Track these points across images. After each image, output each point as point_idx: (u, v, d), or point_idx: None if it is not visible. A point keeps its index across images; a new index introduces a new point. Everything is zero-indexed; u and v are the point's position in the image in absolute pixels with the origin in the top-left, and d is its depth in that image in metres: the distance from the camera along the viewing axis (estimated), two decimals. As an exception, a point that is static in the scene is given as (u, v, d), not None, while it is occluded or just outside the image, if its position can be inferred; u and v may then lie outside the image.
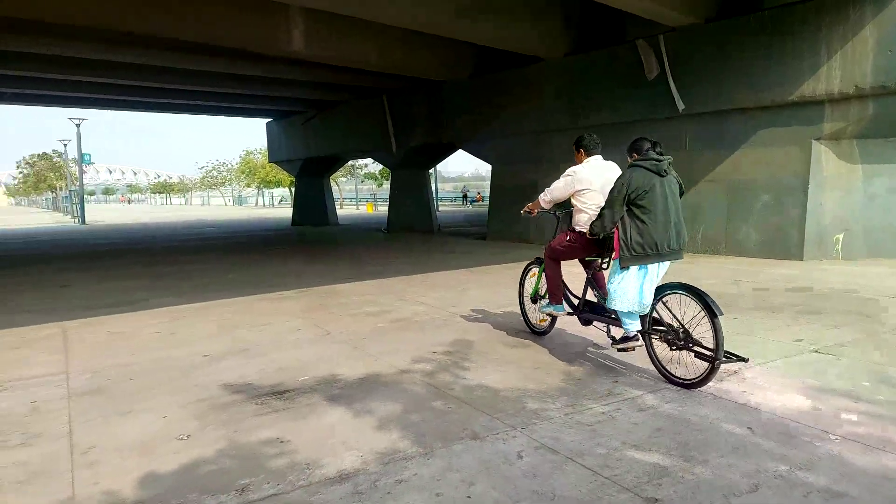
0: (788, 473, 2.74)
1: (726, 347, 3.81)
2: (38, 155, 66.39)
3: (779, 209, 10.27)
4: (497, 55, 14.24)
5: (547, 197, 4.84)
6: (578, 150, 4.79)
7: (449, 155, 21.41)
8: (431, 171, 22.98)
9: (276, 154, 26.95)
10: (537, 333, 5.38)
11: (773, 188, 10.32)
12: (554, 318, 5.10)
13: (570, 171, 4.70)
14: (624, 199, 4.04)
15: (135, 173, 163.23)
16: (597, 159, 4.73)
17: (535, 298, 5.34)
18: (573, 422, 3.39)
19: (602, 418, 3.44)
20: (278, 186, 56.31)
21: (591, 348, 4.93)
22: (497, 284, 8.30)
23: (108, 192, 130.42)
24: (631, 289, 4.08)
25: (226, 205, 73.69)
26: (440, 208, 37.48)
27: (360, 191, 57.26)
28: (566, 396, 3.80)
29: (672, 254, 4.13)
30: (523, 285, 5.63)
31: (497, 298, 7.20)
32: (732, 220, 10.92)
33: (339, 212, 31.46)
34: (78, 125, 30.56)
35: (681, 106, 11.00)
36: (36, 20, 10.12)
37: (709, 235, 11.23)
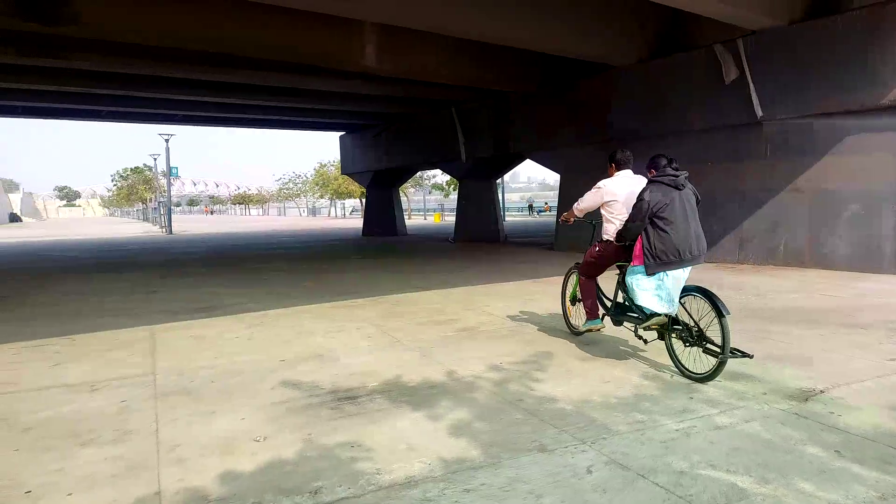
0: (880, 501, 2.56)
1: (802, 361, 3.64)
2: (131, 168, 71.01)
3: (869, 220, 9.65)
4: (565, 64, 14.13)
5: (579, 206, 5.21)
6: (611, 164, 5.18)
7: (516, 165, 21.38)
8: (498, 181, 22.98)
9: (349, 166, 27.69)
10: (575, 334, 5.72)
11: (863, 198, 9.72)
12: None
13: (599, 183, 5.09)
14: (646, 213, 4.40)
15: (217, 185, 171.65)
16: (626, 173, 5.07)
17: (574, 301, 5.73)
18: (645, 438, 3.30)
19: (676, 435, 3.33)
20: (350, 197, 57.81)
21: (665, 362, 4.78)
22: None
23: (192, 203, 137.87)
24: (658, 290, 4.45)
25: (300, 215, 76.27)
26: (507, 218, 37.37)
27: (427, 201, 57.90)
28: (637, 412, 3.71)
29: (693, 259, 4.44)
30: (565, 288, 5.98)
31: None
32: (817, 232, 10.35)
33: (408, 222, 31.94)
34: (167, 140, 32.46)
35: (759, 112, 10.56)
36: (132, 44, 10.89)
37: (791, 247, 10.68)
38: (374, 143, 24.13)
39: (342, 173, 31.00)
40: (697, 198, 4.66)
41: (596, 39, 11.91)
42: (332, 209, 70.79)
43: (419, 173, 49.08)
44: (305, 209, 79.13)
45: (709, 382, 4.20)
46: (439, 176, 56.11)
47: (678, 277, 4.42)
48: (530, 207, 53.21)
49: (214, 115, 21.51)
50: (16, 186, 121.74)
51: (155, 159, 41.76)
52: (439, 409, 3.84)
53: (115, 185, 78.50)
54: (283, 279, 10.86)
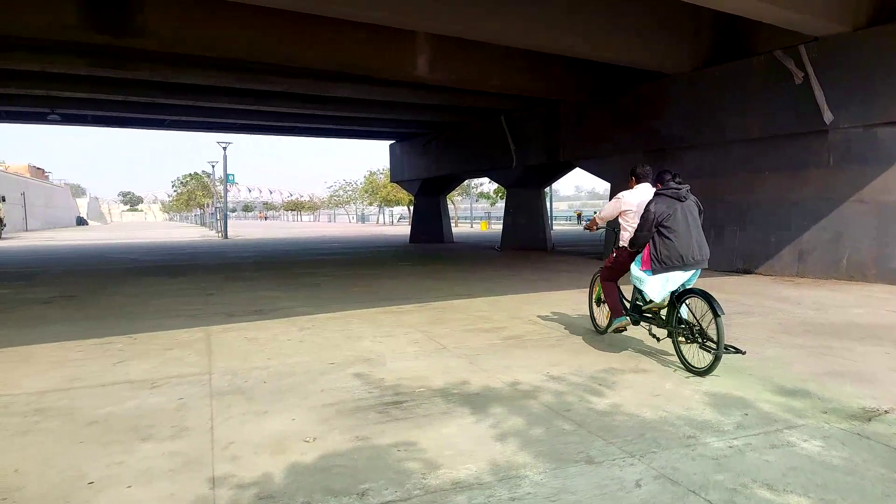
0: (952, 530, 2.43)
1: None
2: (190, 175, 73.79)
3: (942, 233, 9.16)
4: (617, 72, 13.97)
5: (601, 215, 5.84)
6: (632, 177, 5.64)
7: (565, 174, 21.20)
8: (546, 189, 22.83)
9: (398, 174, 28.02)
10: (600, 333, 6.17)
11: (935, 209, 9.23)
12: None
13: (619, 194, 5.61)
14: (652, 222, 4.93)
15: (270, 192, 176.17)
16: (644, 186, 5.48)
17: (599, 302, 6.25)
18: (696, 453, 3.22)
19: (728, 452, 3.24)
20: (398, 205, 58.47)
21: (717, 377, 4.65)
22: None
23: (246, 208, 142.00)
24: (658, 286, 5.02)
25: (350, 222, 77.50)
26: (554, 227, 37.02)
27: (474, 209, 57.96)
28: (689, 426, 3.62)
29: (696, 263, 4.94)
30: (592, 292, 6.46)
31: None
32: (884, 245, 9.88)
33: (454, 230, 32.02)
34: (224, 148, 33.57)
35: (829, 117, 10.13)
36: (195, 55, 11.36)
37: (855, 261, 10.22)
38: (424, 151, 24.36)
39: (391, 181, 31.39)
40: (700, 208, 5.13)
41: (649, 47, 11.74)
42: (381, 216, 71.70)
43: (466, 182, 49.21)
44: (355, 216, 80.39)
45: (709, 374, 4.61)
46: (486, 184, 56.14)
47: (677, 280, 4.99)
48: (578, 217, 52.60)
49: (270, 123, 22.17)
50: (83, 191, 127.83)
51: (213, 166, 43.24)
52: (486, 415, 3.84)
53: (174, 190, 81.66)
54: (333, 284, 11.06)
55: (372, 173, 58.57)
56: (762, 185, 11.66)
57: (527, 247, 19.59)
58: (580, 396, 4.21)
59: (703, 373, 4.61)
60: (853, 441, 3.36)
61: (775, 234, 11.44)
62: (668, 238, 4.87)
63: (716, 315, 4.54)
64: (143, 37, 9.93)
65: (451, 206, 43.39)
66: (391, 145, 27.90)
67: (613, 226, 5.77)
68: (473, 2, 9.54)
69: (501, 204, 27.97)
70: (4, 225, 36.67)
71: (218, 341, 6.21)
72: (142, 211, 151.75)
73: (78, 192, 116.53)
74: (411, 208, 38.18)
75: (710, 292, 4.70)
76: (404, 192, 40.45)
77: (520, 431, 3.57)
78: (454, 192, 45.73)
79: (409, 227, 32.34)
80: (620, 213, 5.48)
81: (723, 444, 3.34)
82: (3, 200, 36.32)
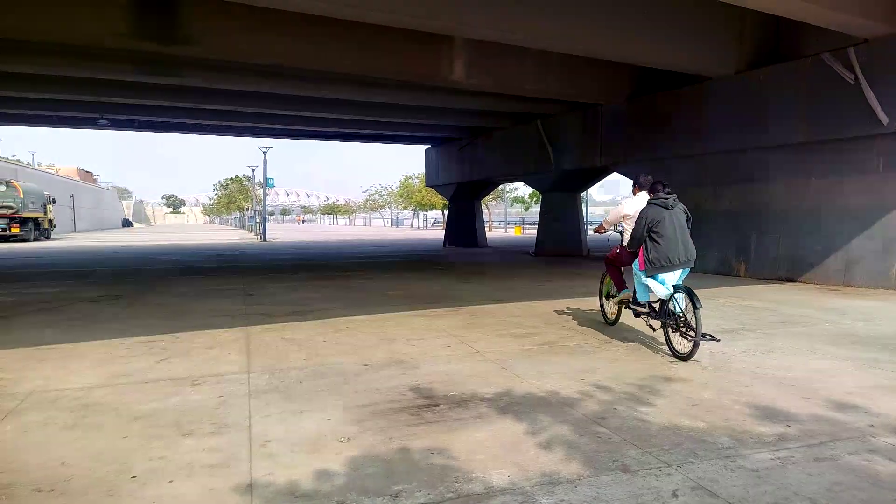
0: None
1: None
2: (231, 179, 75.42)
3: None
4: (658, 75, 13.77)
5: (606, 219, 6.76)
6: (635, 185, 6.47)
7: (601, 178, 20.96)
8: (582, 194, 22.61)
9: (433, 178, 28.12)
10: (609, 324, 7.01)
11: None
12: (620, 310, 6.75)
13: (621, 202, 6.54)
14: (644, 228, 5.70)
15: (308, 196, 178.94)
16: (643, 195, 6.16)
17: (608, 297, 7.07)
18: (736, 465, 3.15)
19: (770, 465, 3.15)
20: (432, 209, 58.63)
21: (759, 388, 4.54)
22: (652, 313, 7.92)
23: (284, 212, 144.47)
24: (653, 285, 5.76)
25: (385, 226, 78.10)
26: (590, 232, 36.58)
27: (508, 214, 57.76)
28: (728, 437, 3.54)
29: (682, 263, 5.66)
30: (602, 287, 7.23)
31: (649, 329, 6.88)
32: (938, 254, 9.48)
33: (488, 234, 31.96)
34: (265, 152, 34.21)
35: (884, 119, 9.76)
36: (238, 62, 11.64)
37: (907, 270, 9.83)
38: (459, 155, 24.40)
39: (426, 185, 31.53)
40: (688, 215, 5.87)
41: (690, 49, 11.54)
42: (415, 220, 72.02)
43: (500, 186, 49.07)
44: (390, 220, 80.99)
45: (689, 360, 5.30)
46: (520, 189, 55.89)
47: (670, 280, 5.69)
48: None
49: (309, 128, 22.53)
50: (128, 194, 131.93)
51: (253, 170, 44.10)
52: (518, 421, 3.83)
53: (216, 193, 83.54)
54: (368, 287, 11.16)
55: (407, 177, 58.87)
56: (807, 191, 11.33)
57: (562, 252, 19.42)
58: (616, 404, 4.16)
59: (684, 358, 5.32)
60: (902, 457, 3.24)
61: (821, 242, 11.09)
62: (657, 242, 5.63)
63: (695, 308, 5.23)
64: (188, 44, 10.21)
65: (485, 211, 43.36)
66: (427, 150, 28.03)
67: (618, 229, 6.57)
68: (510, 7, 9.53)
69: (536, 208, 27.85)
70: (54, 226, 38.12)
71: (257, 341, 6.33)
72: (184, 213, 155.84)
73: (124, 194, 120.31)
74: (445, 212, 38.29)
75: (693, 289, 5.49)
76: (438, 196, 40.55)
77: (552, 438, 3.54)
78: (488, 197, 45.66)
79: (442, 231, 32.42)
80: (623, 218, 6.34)
81: (764, 457, 3.26)
82: (53, 202, 37.73)
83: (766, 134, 11.71)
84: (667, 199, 5.73)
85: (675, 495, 2.82)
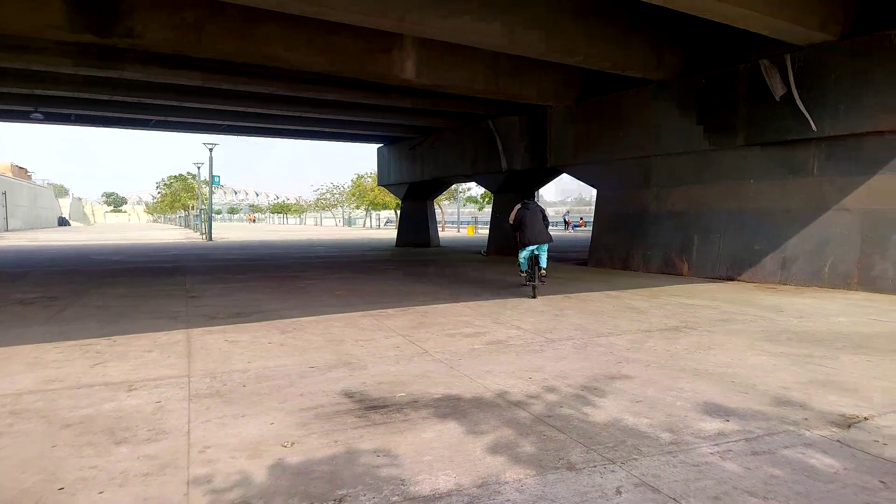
0: (930, 538, 2.43)
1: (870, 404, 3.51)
2: (175, 176, 73.09)
3: (922, 242, 9.27)
4: (605, 78, 14.03)
5: (509, 218, 10.03)
6: (519, 201, 10.12)
7: (551, 179, 21.26)
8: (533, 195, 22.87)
9: (385, 178, 27.95)
10: (523, 285, 10.28)
11: (916, 219, 9.34)
12: (530, 276, 9.71)
13: (514, 208, 9.90)
14: (516, 221, 9.65)
15: (257, 194, 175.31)
16: (524, 203, 9.84)
17: (520, 268, 10.11)
18: (677, 461, 3.21)
19: (710, 459, 3.23)
20: (385, 209, 58.34)
21: (700, 384, 4.66)
22: (599, 313, 8.07)
23: (232, 211, 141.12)
24: (524, 256, 9.72)
25: (336, 225, 77.27)
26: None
27: (461, 214, 58.03)
28: (670, 433, 3.61)
29: (539, 244, 9.50)
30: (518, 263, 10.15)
31: (598, 327, 7.00)
32: (866, 254, 9.98)
33: (441, 234, 31.99)
34: (210, 150, 33.32)
35: (814, 127, 10.24)
36: (182, 56, 11.26)
37: (838, 269, 10.32)
38: (411, 155, 24.32)
39: (378, 184, 31.31)
40: (544, 214, 9.75)
41: (637, 55, 11.80)
42: (368, 220, 71.49)
43: (453, 186, 49.23)
44: (341, 219, 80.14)
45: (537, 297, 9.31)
46: (474, 189, 56.26)
47: (532, 251, 9.53)
48: (566, 223, 52.76)
49: (257, 125, 21.99)
50: (66, 192, 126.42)
51: (198, 168, 42.91)
52: (465, 421, 3.81)
53: (159, 192, 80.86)
54: (316, 287, 10.99)
55: (360, 176, 58.35)
56: (746, 193, 11.76)
57: (513, 252, 19.56)
58: (562, 402, 4.19)
59: (533, 296, 9.32)
60: (834, 448, 3.37)
61: (759, 242, 11.53)
62: (523, 231, 9.56)
63: (539, 267, 9.54)
64: (129, 37, 9.81)
65: (438, 211, 43.38)
66: (379, 149, 27.83)
67: (515, 225, 9.85)
68: (459, 6, 9.54)
69: (489, 208, 28.04)
70: (-16, 224, 36.11)
71: (198, 344, 6.13)
72: (126, 212, 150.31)
73: (61, 192, 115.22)
74: (398, 212, 38.12)
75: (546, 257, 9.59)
76: (392, 195, 40.36)
77: (499, 437, 3.54)
78: (442, 197, 45.75)
79: (395, 231, 32.26)
80: (513, 216, 9.87)
81: (704, 451, 3.33)
82: (-16, 199, 35.74)
83: (708, 137, 12.09)
84: (528, 203, 9.77)
85: (618, 492, 2.85)
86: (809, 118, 10.28)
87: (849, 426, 3.71)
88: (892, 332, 6.73)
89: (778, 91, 10.66)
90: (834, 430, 3.66)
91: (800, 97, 10.40)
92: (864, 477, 3.00)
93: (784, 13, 9.18)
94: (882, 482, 2.93)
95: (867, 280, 9.91)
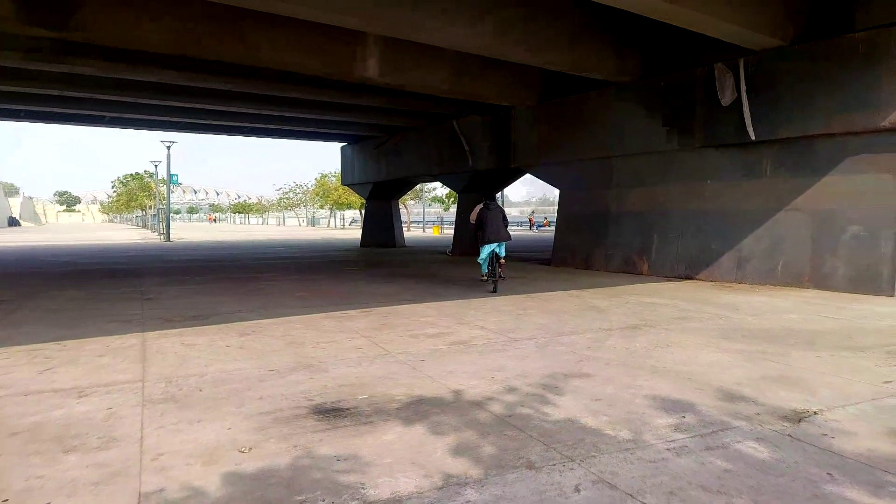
0: (873, 528, 2.52)
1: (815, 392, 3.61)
2: (131, 175, 71.11)
3: (869, 242, 9.65)
4: (568, 80, 14.18)
5: (471, 218, 10.61)
6: (481, 199, 10.68)
7: (516, 179, 21.41)
8: (498, 195, 23.01)
9: (349, 177, 27.72)
10: (482, 280, 10.95)
11: (864, 219, 9.72)
12: (491, 273, 10.37)
13: (476, 208, 10.52)
14: (478, 221, 10.33)
15: (217, 193, 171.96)
16: (486, 203, 10.46)
17: (483, 266, 10.65)
18: (634, 457, 3.26)
19: (666, 455, 3.28)
20: (350, 208, 57.89)
21: (658, 381, 4.74)
22: (561, 312, 8.16)
23: (192, 210, 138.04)
24: (485, 253, 10.34)
25: (300, 225, 76.29)
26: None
27: (427, 214, 58.01)
28: (628, 430, 3.67)
29: (498, 241, 10.23)
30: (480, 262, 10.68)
31: (559, 326, 7.07)
32: (817, 252, 10.33)
33: (407, 234, 31.91)
34: (168, 147, 32.53)
35: (752, 134, 10.61)
36: (137, 51, 10.95)
37: (791, 267, 10.66)
38: (375, 154, 24.18)
39: (342, 184, 31.04)
40: (503, 215, 10.46)
41: (596, 57, 11.96)
42: (332, 220, 70.80)
43: (419, 186, 49.16)
44: (305, 219, 79.18)
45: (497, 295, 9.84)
46: (439, 189, 56.28)
47: (493, 249, 10.22)
48: (531, 223, 53.28)
49: (216, 122, 21.54)
50: (16, 191, 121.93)
51: (156, 166, 41.85)
52: (427, 423, 3.79)
53: (115, 191, 78.60)
54: (277, 288, 10.83)
55: (323, 175, 57.73)
56: (704, 193, 12.05)
57: (477, 252, 19.63)
58: (523, 402, 4.22)
59: (494, 291, 10.00)
60: (785, 443, 3.47)
61: (716, 242, 11.82)
62: (483, 230, 10.23)
63: (500, 263, 10.25)
64: (81, 31, 9.48)
65: (403, 210, 43.23)
66: (342, 147, 27.58)
67: (476, 225, 10.45)
68: (422, 5, 9.52)
69: (455, 209, 28.11)
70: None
71: (153, 347, 5.97)
72: (79, 212, 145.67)
73: (11, 191, 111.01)
74: (363, 212, 37.86)
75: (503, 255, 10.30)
76: (356, 195, 40.06)
77: (460, 438, 3.53)
78: (407, 196, 45.60)
79: (360, 231, 32.03)
80: (476, 217, 10.44)
81: (660, 448, 3.39)
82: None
83: (665, 139, 12.34)
84: (489, 204, 10.40)
85: (577, 490, 2.87)
86: (750, 125, 10.62)
87: (799, 421, 3.83)
88: (841, 328, 6.98)
89: (727, 97, 10.97)
90: (785, 424, 3.77)
91: (751, 101, 10.70)
92: (813, 470, 3.09)
93: (736, 18, 9.43)
94: (829, 474, 3.03)
95: (818, 278, 10.26)
